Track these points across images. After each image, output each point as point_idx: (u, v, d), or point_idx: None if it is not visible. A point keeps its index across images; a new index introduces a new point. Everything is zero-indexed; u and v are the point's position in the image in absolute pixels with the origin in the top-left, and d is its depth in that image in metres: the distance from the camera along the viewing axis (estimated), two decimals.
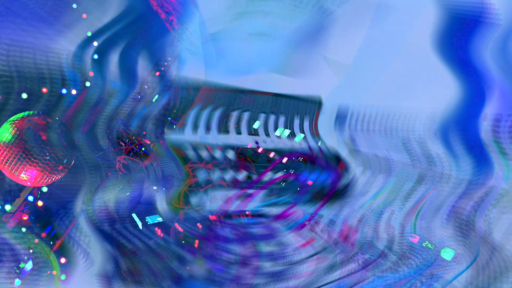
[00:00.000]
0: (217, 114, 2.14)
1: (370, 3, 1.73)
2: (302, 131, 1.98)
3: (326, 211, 1.84)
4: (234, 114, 2.14)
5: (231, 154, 2.09)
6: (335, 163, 1.89)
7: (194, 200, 2.07)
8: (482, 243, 1.40)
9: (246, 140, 2.09)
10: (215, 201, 2.02)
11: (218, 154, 2.12)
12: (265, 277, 1.86)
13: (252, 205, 1.96)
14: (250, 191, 1.97)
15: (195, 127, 2.25)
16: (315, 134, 1.94)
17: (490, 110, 1.55)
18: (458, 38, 1.58)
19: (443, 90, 1.63)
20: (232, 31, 2.03)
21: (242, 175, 2.04)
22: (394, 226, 1.63)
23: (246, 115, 2.10)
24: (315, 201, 1.87)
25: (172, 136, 2.34)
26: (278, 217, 1.92)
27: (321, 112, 1.93)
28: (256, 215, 1.94)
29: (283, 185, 1.97)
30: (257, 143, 2.07)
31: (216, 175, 2.06)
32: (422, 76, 1.72)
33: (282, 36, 1.88)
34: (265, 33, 1.92)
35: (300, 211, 1.89)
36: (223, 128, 2.13)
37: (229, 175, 2.06)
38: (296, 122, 1.98)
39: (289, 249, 1.89)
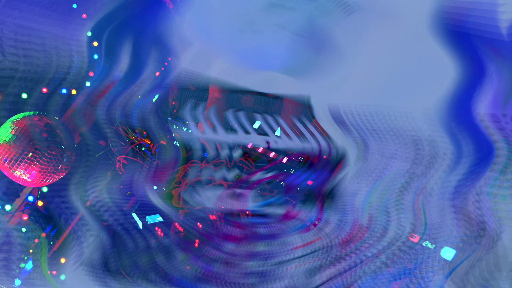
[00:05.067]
0: (222, 113, 2.14)
1: (371, 4, 1.73)
2: (307, 130, 1.97)
3: (329, 213, 1.84)
4: (236, 114, 2.14)
5: (237, 154, 2.09)
6: (336, 163, 1.89)
7: (193, 199, 2.07)
8: (486, 236, 1.40)
9: (254, 140, 2.09)
10: (211, 200, 2.02)
11: (217, 153, 2.12)
12: (254, 276, 1.86)
13: (249, 205, 1.95)
14: (238, 190, 1.96)
15: (198, 125, 2.25)
16: (324, 134, 1.94)
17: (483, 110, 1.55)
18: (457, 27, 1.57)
19: (441, 80, 1.63)
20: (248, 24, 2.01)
21: (231, 175, 2.04)
22: (405, 225, 1.63)
23: (242, 115, 2.10)
24: (313, 202, 1.87)
25: (172, 135, 2.34)
26: (283, 218, 1.92)
27: (319, 112, 1.93)
28: (258, 215, 1.94)
29: (283, 184, 1.96)
30: (268, 143, 2.07)
31: (216, 174, 2.06)
32: (418, 71, 1.72)
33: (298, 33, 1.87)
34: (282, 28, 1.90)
35: (304, 213, 1.89)
36: (227, 127, 2.13)
37: (226, 174, 2.06)
38: (298, 122, 1.98)
39: (284, 250, 1.89)
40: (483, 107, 1.52)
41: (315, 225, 1.86)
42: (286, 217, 1.91)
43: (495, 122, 1.51)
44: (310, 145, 1.98)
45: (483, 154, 1.54)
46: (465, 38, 1.58)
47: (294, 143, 2.02)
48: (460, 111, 1.61)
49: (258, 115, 2.10)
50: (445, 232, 1.53)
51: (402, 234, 1.66)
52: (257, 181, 1.97)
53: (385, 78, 1.78)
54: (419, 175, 1.62)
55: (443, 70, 1.61)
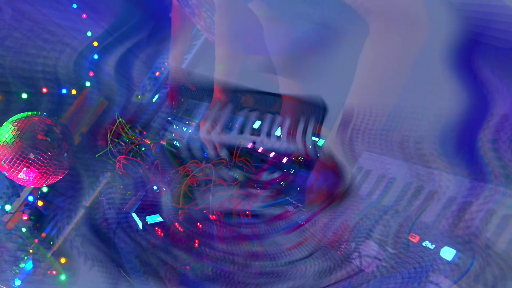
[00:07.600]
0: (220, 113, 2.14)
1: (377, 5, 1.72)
2: (305, 132, 1.97)
3: (325, 214, 1.83)
4: (236, 114, 2.14)
5: (229, 154, 2.09)
6: (334, 164, 1.89)
7: (194, 199, 2.07)
8: (481, 245, 1.39)
9: (247, 140, 2.09)
10: (215, 200, 2.02)
11: (218, 153, 2.12)
12: (260, 277, 1.86)
13: (254, 206, 1.95)
14: (251, 190, 1.96)
15: (197, 126, 2.26)
16: (317, 134, 1.93)
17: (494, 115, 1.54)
18: (468, 46, 1.56)
19: (447, 95, 1.62)
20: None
21: (239, 175, 2.04)
22: (392, 225, 1.62)
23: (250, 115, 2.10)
24: (316, 204, 1.87)
25: (172, 135, 2.34)
26: (275, 218, 1.92)
27: (326, 113, 1.92)
28: (255, 215, 1.94)
29: (283, 185, 1.96)
30: (254, 143, 2.07)
31: (215, 174, 2.06)
32: (428, 77, 1.71)
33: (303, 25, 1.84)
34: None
35: (298, 213, 1.89)
36: (227, 127, 2.13)
37: (228, 174, 2.06)
38: (301, 123, 1.97)
39: (280, 250, 1.88)
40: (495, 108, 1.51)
41: (302, 224, 1.85)
42: (276, 218, 1.91)
43: (501, 122, 1.50)
44: (295, 145, 1.97)
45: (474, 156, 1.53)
46: (477, 59, 1.57)
47: (281, 144, 2.02)
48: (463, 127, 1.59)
49: (258, 115, 2.10)
50: (432, 232, 1.53)
51: (387, 235, 1.65)
52: (262, 182, 1.97)
53: (388, 81, 1.77)
54: (428, 176, 1.61)
55: (450, 91, 1.61)
